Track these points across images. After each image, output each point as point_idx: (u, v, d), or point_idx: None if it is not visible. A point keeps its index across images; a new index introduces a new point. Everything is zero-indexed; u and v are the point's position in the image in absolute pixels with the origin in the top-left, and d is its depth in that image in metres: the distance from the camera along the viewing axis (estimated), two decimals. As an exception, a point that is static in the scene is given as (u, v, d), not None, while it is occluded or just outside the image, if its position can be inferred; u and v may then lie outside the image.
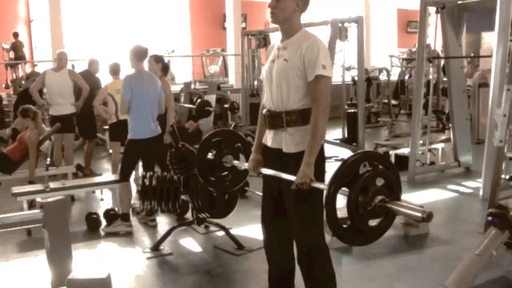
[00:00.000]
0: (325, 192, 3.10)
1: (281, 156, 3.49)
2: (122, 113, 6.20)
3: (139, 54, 6.16)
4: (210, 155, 4.36)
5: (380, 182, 3.13)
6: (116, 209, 6.51)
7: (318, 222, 3.50)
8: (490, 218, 4.60)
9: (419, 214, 2.83)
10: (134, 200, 6.99)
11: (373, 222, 3.17)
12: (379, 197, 3.01)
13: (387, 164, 3.21)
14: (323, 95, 3.31)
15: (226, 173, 4.38)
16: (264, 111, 3.63)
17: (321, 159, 3.42)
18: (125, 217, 6.19)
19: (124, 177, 6.21)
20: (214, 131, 4.65)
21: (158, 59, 7.02)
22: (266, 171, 3.67)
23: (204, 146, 4.38)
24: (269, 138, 3.61)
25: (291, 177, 3.32)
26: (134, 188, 7.66)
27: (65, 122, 8.19)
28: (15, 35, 16.50)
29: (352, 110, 10.69)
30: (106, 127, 9.82)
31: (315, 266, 3.56)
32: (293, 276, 3.84)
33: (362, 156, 3.18)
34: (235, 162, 4.29)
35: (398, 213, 3.03)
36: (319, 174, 3.39)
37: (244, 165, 4.09)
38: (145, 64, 6.47)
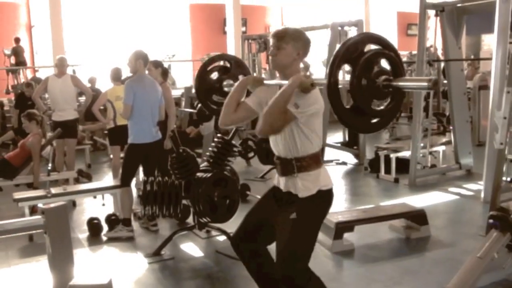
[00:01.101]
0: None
1: (293, 199, 3.48)
2: (126, 118, 6.20)
3: (145, 59, 6.16)
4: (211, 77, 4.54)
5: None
6: (118, 214, 6.51)
7: (304, 260, 3.44)
8: (491, 220, 4.60)
9: (424, 83, 2.79)
10: (136, 205, 7.00)
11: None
12: (383, 77, 2.95)
13: (390, 46, 3.12)
14: (268, 118, 3.29)
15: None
16: (274, 158, 3.61)
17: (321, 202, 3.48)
18: (126, 222, 6.20)
19: (125, 182, 6.21)
20: (214, 55, 4.74)
21: (157, 64, 7.02)
22: (268, 81, 3.69)
23: (204, 69, 4.51)
24: (281, 183, 3.60)
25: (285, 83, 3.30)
26: (135, 193, 7.68)
27: (68, 128, 8.20)
28: (17, 40, 16.54)
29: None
30: (106, 132, 9.84)
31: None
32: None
33: (365, 37, 3.15)
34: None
35: (404, 88, 2.96)
36: (319, 217, 3.50)
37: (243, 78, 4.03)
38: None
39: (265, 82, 3.73)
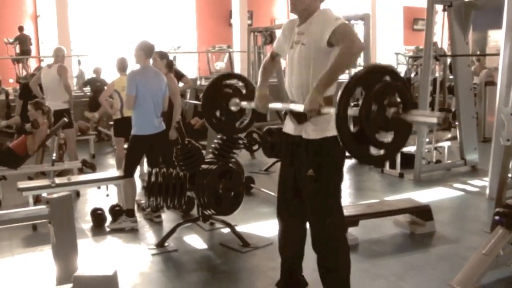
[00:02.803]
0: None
1: (301, 143, 3.55)
2: (128, 108, 6.19)
3: (147, 49, 6.14)
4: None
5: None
6: (121, 205, 6.50)
7: (334, 212, 3.55)
8: (497, 217, 4.58)
9: (434, 120, 2.75)
10: (140, 196, 7.00)
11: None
12: (393, 109, 2.91)
13: (399, 78, 3.09)
14: (348, 35, 3.27)
15: (229, 116, 4.59)
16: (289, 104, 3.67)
17: (334, 150, 3.49)
18: (130, 213, 6.19)
19: (128, 173, 6.21)
20: (223, 73, 4.83)
21: (162, 55, 6.99)
22: (274, 105, 3.77)
23: (214, 84, 4.60)
24: (289, 127, 3.68)
25: (299, 107, 3.34)
26: (139, 184, 7.67)
27: (56, 118, 8.17)
28: (20, 28, 16.54)
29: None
30: (111, 122, 9.84)
31: (329, 257, 3.69)
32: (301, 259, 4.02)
33: (374, 68, 3.12)
34: (243, 103, 4.39)
35: (413, 122, 2.92)
36: (339, 165, 3.57)
37: (251, 105, 4.13)
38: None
39: (270, 105, 3.83)
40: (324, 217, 3.57)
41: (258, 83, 3.95)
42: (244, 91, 4.63)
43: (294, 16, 3.67)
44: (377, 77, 2.96)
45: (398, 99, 2.95)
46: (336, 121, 2.92)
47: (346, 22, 3.38)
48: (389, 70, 3.07)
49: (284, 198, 3.90)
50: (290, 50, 3.62)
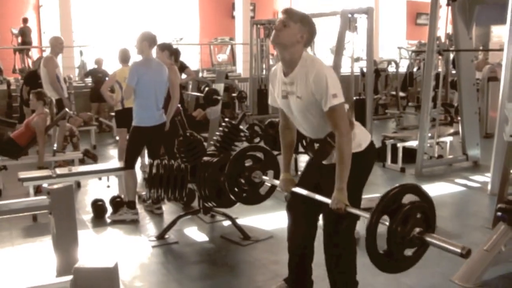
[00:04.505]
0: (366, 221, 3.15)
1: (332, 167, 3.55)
2: (126, 98, 6.18)
3: (151, 40, 6.09)
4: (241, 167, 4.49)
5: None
6: (122, 196, 6.48)
7: (348, 216, 3.55)
8: (499, 213, 4.56)
9: (458, 250, 2.87)
10: (141, 187, 6.99)
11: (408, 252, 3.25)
12: (417, 229, 3.06)
13: (426, 197, 3.23)
14: (341, 121, 3.38)
15: (249, 187, 4.46)
16: (308, 142, 3.76)
17: (362, 167, 3.61)
18: (130, 205, 6.18)
19: (129, 165, 6.19)
20: (248, 146, 4.74)
21: (164, 47, 6.94)
22: (298, 190, 3.78)
23: (237, 160, 4.48)
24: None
25: (326, 200, 3.46)
26: (140, 175, 7.66)
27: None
28: (25, 20, 16.52)
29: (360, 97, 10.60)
30: (113, 113, 9.82)
31: (341, 260, 3.74)
32: (311, 259, 4.00)
33: (404, 189, 3.22)
34: (265, 178, 4.33)
35: (436, 246, 3.05)
36: (358, 183, 3.66)
37: (275, 182, 4.17)
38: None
39: (294, 190, 3.84)
40: (340, 222, 3.62)
41: (283, 161, 3.98)
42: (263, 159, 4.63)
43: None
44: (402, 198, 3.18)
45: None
46: (366, 244, 3.12)
47: (341, 99, 3.35)
48: (418, 191, 3.24)
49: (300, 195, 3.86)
50: (284, 100, 3.57)
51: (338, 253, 3.73)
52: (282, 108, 3.68)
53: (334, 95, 3.29)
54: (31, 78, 10.47)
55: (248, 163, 4.51)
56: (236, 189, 4.44)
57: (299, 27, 3.39)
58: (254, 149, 4.74)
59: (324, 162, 3.64)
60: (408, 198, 3.18)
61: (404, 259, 3.22)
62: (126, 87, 6.09)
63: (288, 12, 3.45)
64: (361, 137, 3.60)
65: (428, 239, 3.03)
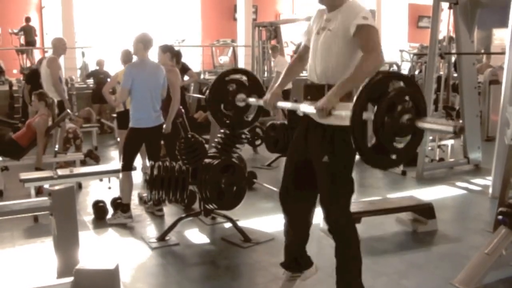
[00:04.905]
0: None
1: (319, 128, 3.57)
2: (121, 100, 6.18)
3: (146, 42, 6.06)
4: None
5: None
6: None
7: (346, 195, 3.66)
8: (500, 217, 4.56)
9: (450, 128, 2.74)
10: (142, 189, 6.99)
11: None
12: (407, 116, 2.92)
13: (412, 83, 3.13)
14: (370, 40, 3.33)
15: (236, 111, 4.62)
16: (307, 83, 3.72)
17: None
18: (124, 209, 6.15)
19: (126, 167, 6.17)
20: (230, 69, 4.88)
21: (166, 49, 6.95)
22: (284, 104, 3.82)
23: (221, 78, 4.59)
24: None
25: (310, 108, 3.38)
26: (141, 177, 7.67)
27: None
28: (27, 19, 16.54)
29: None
30: (114, 115, 9.83)
31: (343, 237, 3.77)
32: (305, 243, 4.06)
33: (387, 75, 3.13)
34: (250, 99, 4.41)
35: (428, 130, 2.96)
36: (349, 162, 3.63)
37: (260, 102, 4.14)
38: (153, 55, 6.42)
39: (279, 104, 3.87)
40: (338, 198, 3.67)
41: (278, 80, 3.96)
42: (247, 84, 4.66)
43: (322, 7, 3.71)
44: (389, 84, 3.01)
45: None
46: (352, 135, 3.00)
47: (373, 24, 3.39)
48: (403, 76, 3.14)
49: (290, 180, 3.89)
50: (316, 36, 3.64)
51: (341, 229, 3.76)
52: (311, 44, 3.69)
53: (364, 18, 3.33)
54: (32, 77, 10.48)
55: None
56: (219, 114, 4.55)
57: None
58: (236, 72, 4.81)
59: (317, 118, 3.54)
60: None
61: (396, 152, 3.09)
62: (121, 90, 6.08)
63: None
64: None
65: (419, 123, 2.89)
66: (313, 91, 3.62)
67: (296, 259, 4.09)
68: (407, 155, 3.19)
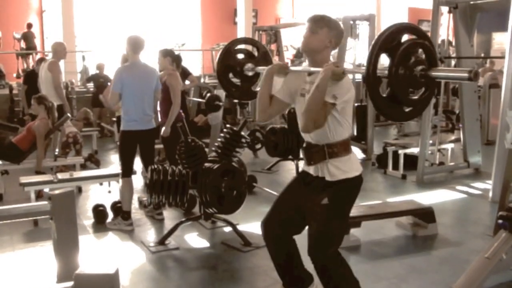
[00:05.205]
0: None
1: (325, 184, 3.53)
2: (112, 104, 6.17)
3: (134, 45, 6.01)
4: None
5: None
6: (123, 202, 6.49)
7: (336, 244, 3.58)
8: (500, 221, 4.55)
9: (465, 74, 2.77)
10: (142, 193, 6.99)
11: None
12: (420, 67, 2.97)
13: (424, 35, 3.15)
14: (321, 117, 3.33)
15: (245, 80, 4.64)
16: (304, 145, 3.67)
17: (348, 194, 3.58)
18: (125, 216, 6.12)
19: (125, 173, 6.12)
20: (240, 38, 4.94)
21: (166, 53, 6.94)
22: (294, 68, 3.77)
23: (230, 47, 4.67)
24: (311, 168, 3.64)
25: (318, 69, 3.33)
26: (141, 181, 7.66)
27: None
28: (29, 26, 16.56)
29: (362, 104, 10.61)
30: (114, 119, 9.83)
31: (333, 282, 3.63)
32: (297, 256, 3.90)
33: (401, 27, 3.16)
34: (259, 68, 4.40)
35: (442, 78, 2.99)
36: (344, 212, 3.62)
37: (269, 68, 4.10)
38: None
39: (291, 68, 3.79)
40: (327, 246, 3.56)
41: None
42: (256, 54, 4.72)
43: None
44: (402, 37, 3.07)
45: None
46: (366, 82, 3.04)
47: (332, 100, 3.32)
48: (416, 29, 3.16)
49: (281, 217, 3.81)
50: (300, 98, 3.58)
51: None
52: (297, 106, 3.65)
53: (334, 96, 3.29)
54: (30, 78, 10.50)
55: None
56: (226, 83, 4.58)
57: (326, 33, 3.44)
58: (245, 42, 4.93)
59: (313, 171, 3.59)
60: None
61: (410, 103, 3.14)
62: (111, 94, 6.04)
63: (314, 19, 3.48)
64: (354, 166, 3.56)
65: (433, 73, 2.94)
66: (312, 153, 3.56)
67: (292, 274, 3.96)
68: (421, 108, 3.23)
